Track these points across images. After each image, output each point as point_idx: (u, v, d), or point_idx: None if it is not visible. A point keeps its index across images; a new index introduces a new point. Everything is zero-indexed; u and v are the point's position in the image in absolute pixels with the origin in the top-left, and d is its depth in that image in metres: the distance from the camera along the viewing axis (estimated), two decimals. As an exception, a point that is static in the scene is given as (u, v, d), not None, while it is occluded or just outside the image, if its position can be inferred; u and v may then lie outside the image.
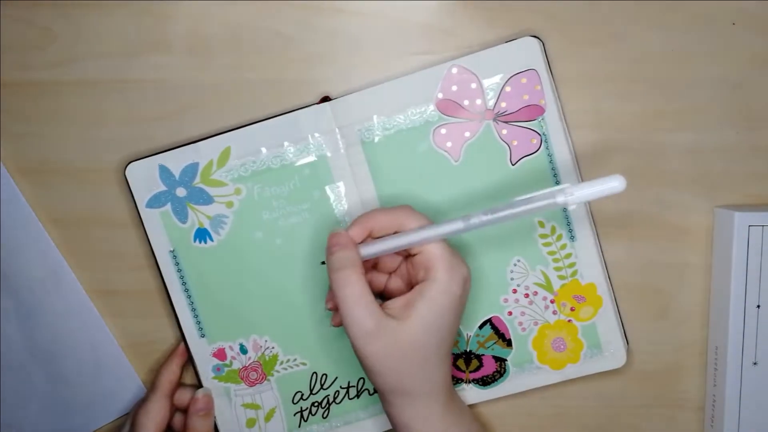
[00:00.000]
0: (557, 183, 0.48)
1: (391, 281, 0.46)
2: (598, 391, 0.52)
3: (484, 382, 0.51)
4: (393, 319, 0.41)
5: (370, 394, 0.52)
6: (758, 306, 0.48)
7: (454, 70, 0.47)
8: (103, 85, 0.50)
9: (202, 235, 0.50)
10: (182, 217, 0.49)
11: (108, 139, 0.50)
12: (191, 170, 0.49)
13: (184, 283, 0.50)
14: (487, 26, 0.48)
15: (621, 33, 0.48)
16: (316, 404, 0.52)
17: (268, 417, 0.52)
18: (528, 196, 0.39)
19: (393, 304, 0.42)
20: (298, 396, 0.52)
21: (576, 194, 0.38)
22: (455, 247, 0.44)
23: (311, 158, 0.49)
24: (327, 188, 0.49)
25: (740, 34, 0.48)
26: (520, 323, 0.50)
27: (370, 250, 0.43)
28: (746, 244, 0.47)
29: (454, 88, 0.48)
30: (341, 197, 0.49)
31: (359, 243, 0.43)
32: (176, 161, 0.49)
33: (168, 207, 0.49)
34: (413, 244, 0.42)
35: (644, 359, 0.51)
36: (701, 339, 0.52)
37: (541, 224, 0.49)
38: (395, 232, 0.43)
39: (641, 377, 0.52)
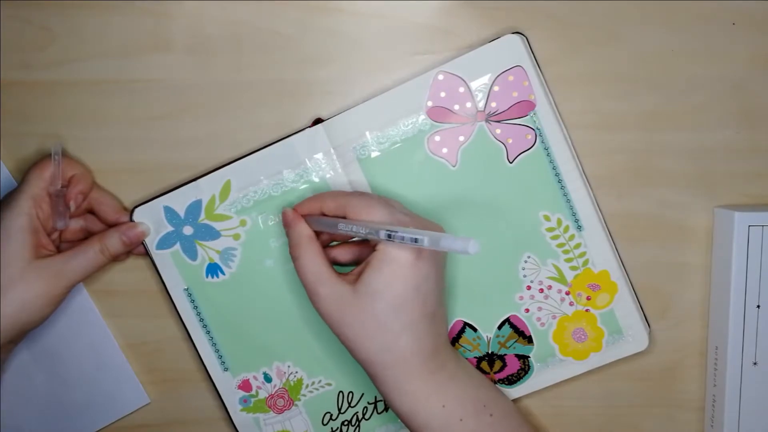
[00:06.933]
0: (557, 176, 0.48)
1: (364, 250, 0.48)
2: (598, 391, 0.52)
3: (510, 381, 0.51)
4: (345, 284, 0.43)
5: None
6: (758, 306, 0.48)
7: (441, 77, 0.47)
8: (103, 85, 0.50)
9: (213, 270, 0.50)
10: (192, 254, 0.50)
11: (108, 139, 0.50)
12: (195, 208, 0.49)
13: (201, 320, 0.51)
14: (486, 26, 0.48)
15: (621, 33, 0.48)
16: (346, 423, 0.52)
17: None
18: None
19: (353, 271, 0.45)
20: (328, 417, 0.52)
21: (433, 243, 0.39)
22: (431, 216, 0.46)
23: (311, 181, 0.49)
24: None
25: (740, 34, 0.48)
26: (539, 319, 0.50)
27: (316, 225, 0.45)
28: (746, 244, 0.47)
29: (443, 94, 0.48)
30: None
31: (317, 215, 0.46)
32: (179, 201, 0.49)
33: (177, 246, 0.50)
34: (344, 232, 0.43)
35: (644, 359, 0.51)
36: (701, 339, 0.52)
37: (547, 218, 0.49)
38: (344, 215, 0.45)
39: (641, 377, 0.52)
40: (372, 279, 0.42)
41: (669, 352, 0.52)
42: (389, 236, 0.41)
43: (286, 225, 0.46)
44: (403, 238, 0.40)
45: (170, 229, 0.49)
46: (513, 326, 0.51)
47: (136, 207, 0.49)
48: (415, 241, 0.39)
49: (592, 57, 0.49)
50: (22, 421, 0.53)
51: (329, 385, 0.52)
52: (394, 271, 0.42)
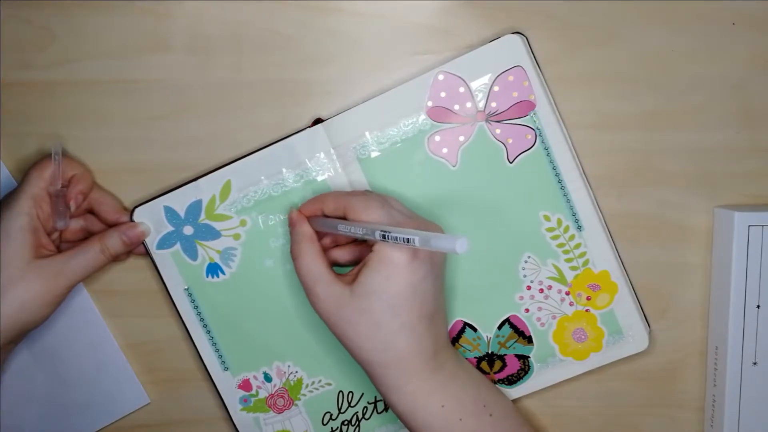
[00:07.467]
0: (557, 176, 0.48)
1: (363, 250, 0.48)
2: (598, 391, 0.52)
3: (510, 381, 0.51)
4: (343, 285, 0.44)
5: None
6: (758, 306, 0.48)
7: (441, 77, 0.47)
8: (103, 85, 0.50)
9: (213, 270, 0.50)
10: (192, 254, 0.50)
11: (108, 139, 0.50)
12: (195, 208, 0.49)
13: (201, 319, 0.51)
14: (486, 26, 0.48)
15: (621, 33, 0.48)
16: (346, 423, 0.52)
17: None
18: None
19: (350, 272, 0.45)
20: (328, 417, 0.52)
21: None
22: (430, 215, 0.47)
23: (312, 181, 0.49)
24: None
25: (740, 34, 0.48)
26: (539, 319, 0.50)
27: (317, 225, 0.46)
28: (746, 244, 0.47)
29: (443, 94, 0.48)
30: None
31: (319, 216, 0.46)
32: (180, 201, 0.49)
33: (177, 246, 0.50)
34: (343, 233, 0.44)
35: (644, 359, 0.51)
36: (701, 339, 0.52)
37: (547, 218, 0.49)
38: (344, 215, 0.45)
39: (641, 377, 0.52)
40: (369, 279, 0.43)
41: (669, 352, 0.52)
42: (383, 236, 0.41)
43: (290, 225, 0.47)
44: (396, 238, 0.40)
45: (170, 229, 0.49)
46: (513, 326, 0.51)
47: (136, 207, 0.49)
48: (407, 241, 0.40)
49: (592, 57, 0.49)
50: (22, 421, 0.53)
51: (329, 384, 0.52)
52: (391, 271, 0.42)
